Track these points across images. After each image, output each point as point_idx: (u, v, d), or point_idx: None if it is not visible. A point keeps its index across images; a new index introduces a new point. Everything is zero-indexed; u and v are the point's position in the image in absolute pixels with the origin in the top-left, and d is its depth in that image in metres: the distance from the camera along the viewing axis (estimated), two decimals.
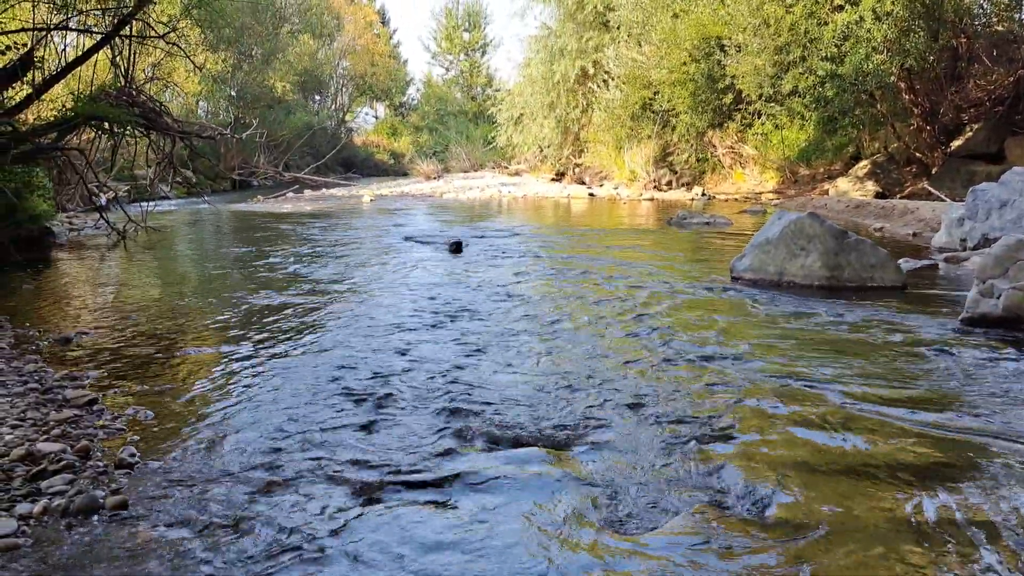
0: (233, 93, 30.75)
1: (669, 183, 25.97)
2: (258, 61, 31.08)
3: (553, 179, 32.86)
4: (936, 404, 4.12)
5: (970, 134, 20.02)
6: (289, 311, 6.77)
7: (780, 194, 22.08)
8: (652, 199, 23.13)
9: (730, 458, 3.45)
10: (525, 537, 2.79)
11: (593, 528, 2.85)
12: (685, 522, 2.85)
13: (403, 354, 5.32)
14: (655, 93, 24.59)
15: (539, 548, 2.72)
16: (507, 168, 39.23)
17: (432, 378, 4.73)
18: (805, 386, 4.47)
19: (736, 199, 22.10)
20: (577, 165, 32.19)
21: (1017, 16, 19.58)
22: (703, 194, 23.80)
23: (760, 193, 22.75)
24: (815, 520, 2.87)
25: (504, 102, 36.12)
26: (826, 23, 18.08)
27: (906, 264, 8.68)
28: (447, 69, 59.95)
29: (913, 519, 2.87)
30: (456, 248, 10.82)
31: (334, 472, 3.36)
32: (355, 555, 2.69)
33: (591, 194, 25.79)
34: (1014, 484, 3.15)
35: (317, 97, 46.43)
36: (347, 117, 50.13)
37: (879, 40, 17.01)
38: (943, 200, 15.00)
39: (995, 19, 19.66)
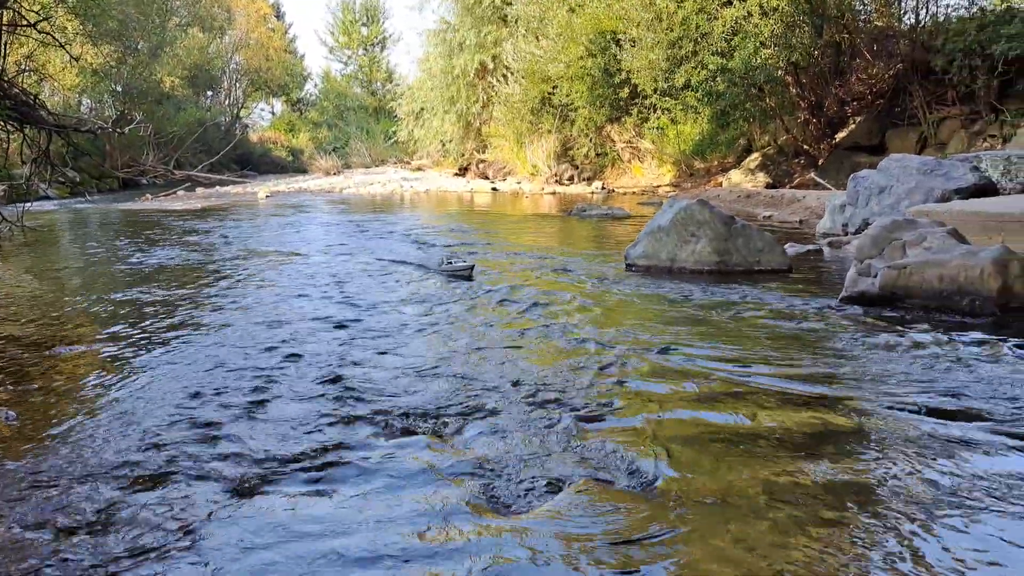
0: (118, 88, 29.53)
1: (571, 177, 26.21)
2: (144, 55, 29.89)
3: (456, 174, 32.77)
4: (817, 377, 4.23)
5: (853, 126, 20.85)
6: (168, 308, 6.51)
7: (677, 187, 22.55)
8: (554, 193, 23.31)
9: (616, 435, 3.45)
10: (406, 522, 2.72)
11: (475, 510, 2.80)
12: (568, 499, 2.83)
13: (287, 344, 5.17)
14: (554, 87, 24.79)
15: (419, 532, 2.65)
16: (409, 163, 38.94)
17: (316, 368, 4.60)
18: (692, 364, 4.53)
19: (635, 192, 22.47)
20: (481, 161, 32.19)
21: (896, 12, 20.46)
22: (603, 188, 24.12)
23: (658, 187, 23.20)
24: (700, 491, 2.89)
25: (404, 97, 35.88)
26: (716, 18, 18.53)
27: (791, 248, 8.95)
28: (345, 64, 59.04)
29: (795, 487, 2.91)
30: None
31: (209, 466, 3.22)
32: (225, 548, 2.57)
33: (494, 188, 25.82)
34: (890, 450, 3.24)
35: (210, 93, 45.02)
36: (242, 113, 48.83)
37: (766, 35, 17.54)
38: (828, 189, 15.57)
39: (875, 15, 20.50)
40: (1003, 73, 17.00)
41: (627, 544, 2.53)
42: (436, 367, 4.59)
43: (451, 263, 8.01)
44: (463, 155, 32.92)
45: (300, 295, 6.98)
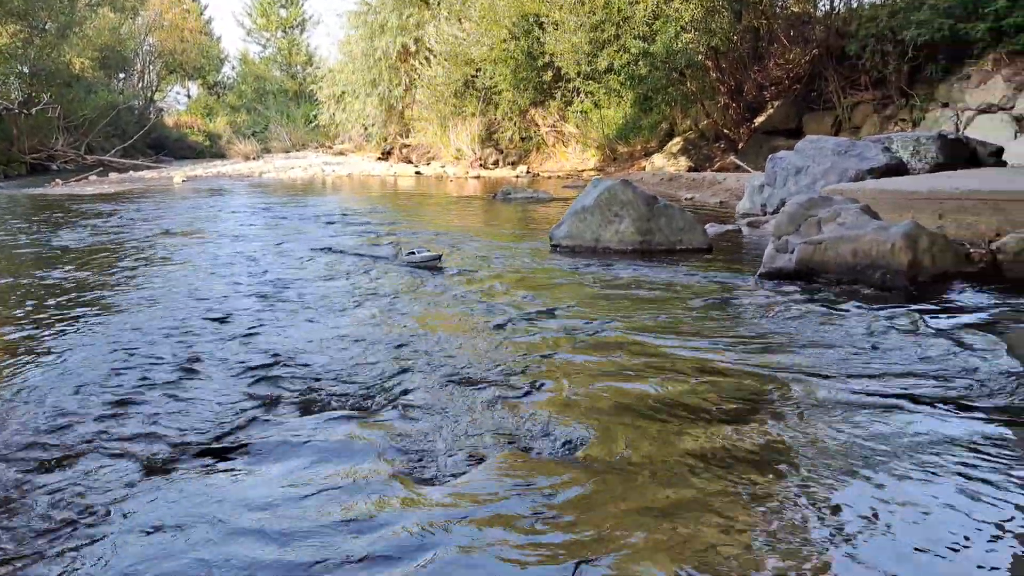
0: (25, 70, 28.28)
1: (496, 162, 26.17)
2: (52, 35, 28.68)
3: (380, 158, 32.40)
4: (736, 349, 4.29)
5: (772, 111, 21.30)
6: (80, 289, 6.26)
7: (601, 171, 22.70)
8: (479, 177, 23.23)
9: (540, 407, 3.45)
10: (328, 497, 2.67)
11: (399, 482, 2.75)
12: (491, 468, 2.81)
13: (207, 324, 5.04)
14: (477, 70, 24.69)
15: (342, 506, 2.59)
16: (331, 148, 38.34)
17: (239, 347, 4.48)
18: (616, 338, 4.55)
19: (560, 176, 22.55)
20: (405, 145, 31.90)
21: None
22: (528, 172, 24.15)
23: (583, 171, 23.32)
24: (621, 459, 2.89)
25: (325, 80, 35.27)
26: (638, 2, 18.68)
27: (712, 228, 9.08)
28: (264, 47, 57.71)
29: (715, 454, 2.94)
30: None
31: (124, 446, 3.10)
32: (136, 530, 2.47)
33: (418, 172, 25.62)
34: (807, 416, 3.30)
35: (122, 75, 43.49)
36: (156, 97, 47.34)
37: (687, 19, 17.76)
38: (748, 172, 15.88)
39: (792, 1, 20.94)
40: (913, 59, 17.56)
41: (545, 511, 2.51)
42: (361, 345, 4.52)
43: (413, 253, 7.30)
44: (386, 139, 32.57)
45: (221, 276, 6.79)
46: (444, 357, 4.24)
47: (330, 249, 8.28)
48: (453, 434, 3.17)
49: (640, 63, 18.28)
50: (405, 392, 3.72)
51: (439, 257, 7.20)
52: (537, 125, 25.54)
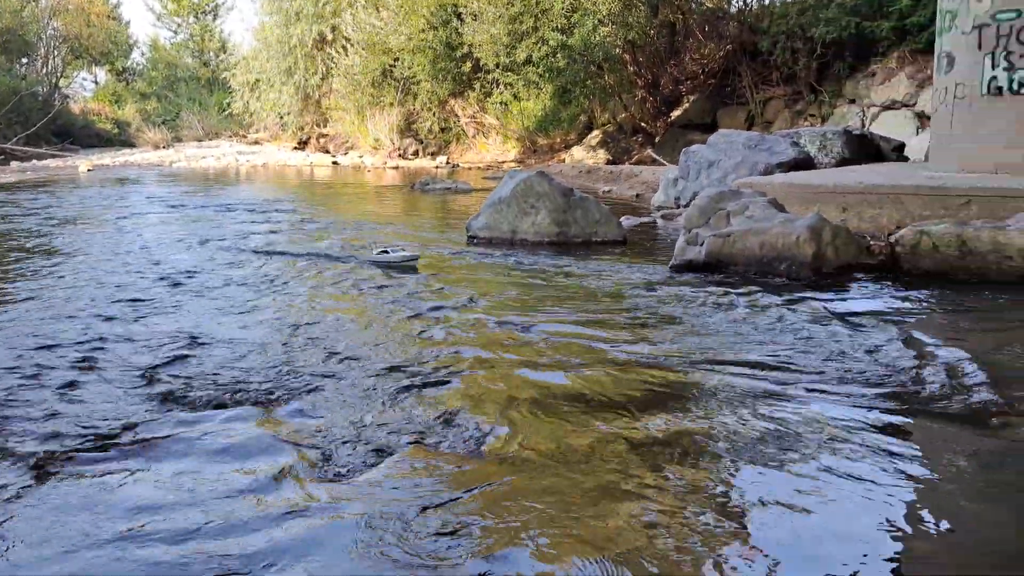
0: None
1: (415, 152, 25.98)
2: None
3: (296, 148, 31.80)
4: (647, 340, 4.33)
5: (688, 105, 21.67)
6: None
7: (521, 163, 22.75)
8: (397, 167, 23.03)
9: (449, 401, 3.41)
10: (228, 495, 2.59)
11: (301, 479, 2.68)
12: (396, 463, 2.76)
13: (104, 318, 4.84)
14: (395, 60, 24.43)
15: (242, 504, 2.51)
16: (246, 137, 37.43)
17: (139, 343, 4.32)
18: (530, 330, 4.54)
19: (480, 167, 22.52)
20: (323, 135, 31.37)
21: None
22: (448, 163, 24.04)
23: (503, 162, 23.33)
24: (534, 450, 2.88)
25: (239, 67, 34.38)
26: None
27: (628, 221, 9.17)
28: (175, 32, 55.90)
29: (625, 443, 2.94)
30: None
31: (9, 445, 2.93)
32: (23, 532, 2.34)
33: (335, 162, 25.25)
34: (715, 404, 3.35)
35: (24, 60, 41.64)
36: (61, 83, 45.48)
37: (604, 13, 17.90)
38: (664, 165, 16.09)
39: None
40: (822, 56, 18.07)
41: (451, 505, 2.48)
42: (270, 340, 4.41)
43: (386, 251, 6.65)
44: (302, 128, 31.98)
45: (122, 269, 6.55)
46: (352, 350, 4.16)
47: (263, 251, 7.88)
48: (358, 428, 3.11)
49: (558, 55, 18.36)
50: (308, 386, 3.63)
51: (417, 257, 6.58)
52: (457, 116, 25.43)
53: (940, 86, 8.33)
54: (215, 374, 3.80)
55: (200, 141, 39.19)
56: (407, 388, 3.58)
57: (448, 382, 3.68)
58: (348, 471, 2.76)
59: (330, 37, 28.83)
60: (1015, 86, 7.56)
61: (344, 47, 26.97)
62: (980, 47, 7.73)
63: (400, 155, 25.54)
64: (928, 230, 5.93)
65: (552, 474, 2.70)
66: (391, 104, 25.75)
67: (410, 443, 2.96)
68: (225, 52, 48.55)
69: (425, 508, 2.46)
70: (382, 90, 25.92)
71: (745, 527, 2.35)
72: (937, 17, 8.40)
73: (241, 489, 2.63)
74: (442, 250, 7.51)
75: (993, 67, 7.66)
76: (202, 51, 54.60)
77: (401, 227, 9.25)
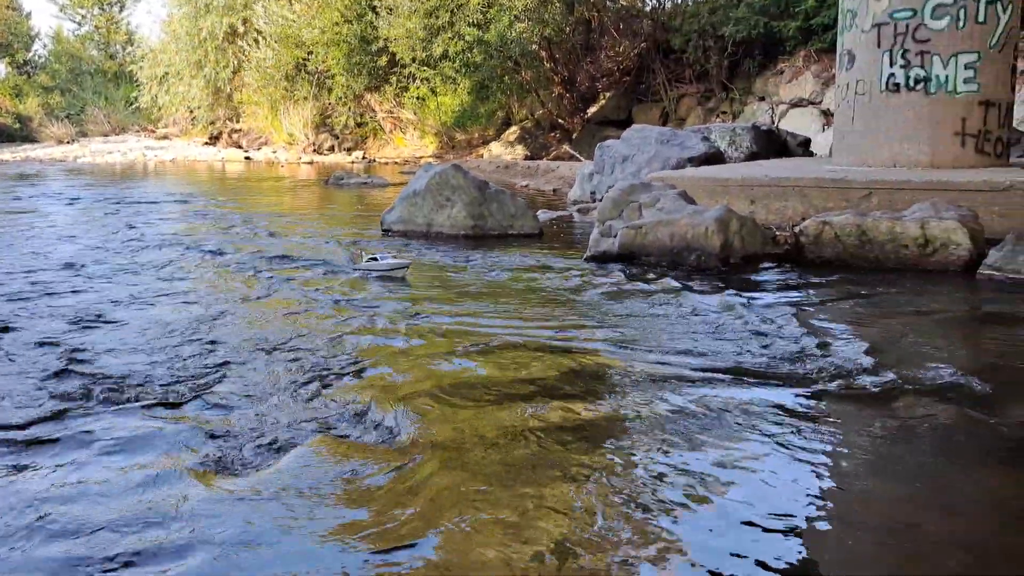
0: None
1: (331, 147, 25.63)
2: None
3: (207, 143, 30.99)
4: (561, 329, 4.35)
5: (604, 101, 21.92)
6: None
7: (439, 159, 22.65)
8: (312, 162, 22.67)
9: (361, 392, 3.36)
10: (127, 491, 2.50)
11: (203, 474, 2.60)
12: (302, 454, 2.70)
13: (4, 317, 4.62)
14: (309, 53, 24.03)
15: (141, 500, 2.43)
16: (154, 132, 36.30)
17: (42, 339, 4.13)
18: (443, 322, 4.52)
19: (397, 163, 22.35)
20: (235, 130, 30.64)
21: None
22: (364, 158, 23.78)
23: (420, 157, 23.19)
24: (442, 439, 2.86)
25: (146, 60, 33.29)
26: None
27: (544, 215, 9.22)
28: (80, 24, 53.78)
29: (539, 428, 2.95)
30: None
31: None
32: None
33: (247, 157, 24.72)
34: (627, 388, 3.38)
35: None
36: None
37: (520, 9, 17.94)
38: (581, 160, 16.24)
39: None
40: (732, 54, 18.50)
41: (359, 491, 2.44)
42: (176, 334, 4.28)
43: (375, 259, 6.03)
44: (213, 123, 31.18)
45: (20, 265, 6.26)
46: (264, 344, 4.07)
47: (168, 245, 7.70)
48: (267, 422, 3.05)
49: (475, 51, 18.35)
50: (220, 380, 3.54)
51: (407, 265, 5.98)
52: (373, 111, 25.16)
53: (842, 82, 8.60)
54: (115, 370, 3.67)
55: (107, 136, 37.82)
56: (316, 381, 3.51)
57: (359, 374, 3.63)
58: (253, 464, 2.69)
59: (241, 30, 28.17)
60: (911, 82, 7.85)
61: (256, 40, 26.39)
62: (879, 45, 8.01)
63: (315, 150, 25.14)
64: (830, 220, 6.11)
65: (466, 462, 2.68)
66: (305, 98, 25.32)
67: (318, 434, 2.90)
68: (132, 45, 46.92)
69: (332, 496, 2.41)
70: (296, 84, 25.46)
71: (657, 506, 2.36)
72: (839, 16, 8.66)
73: (141, 484, 2.54)
74: (356, 243, 7.40)
75: (891, 64, 7.94)
76: (108, 43, 52.65)
77: (314, 222, 9.09)
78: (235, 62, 28.72)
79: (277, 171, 19.69)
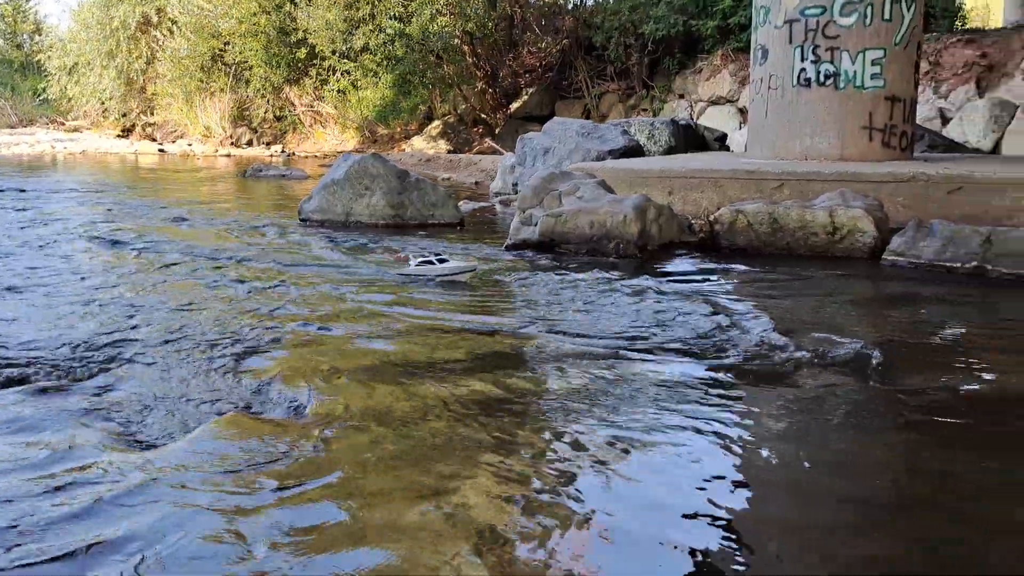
0: None
1: (249, 141, 25.09)
2: None
3: (120, 135, 29.96)
4: (480, 311, 4.36)
5: (527, 97, 21.99)
6: None
7: (361, 153, 22.39)
8: (229, 155, 22.17)
9: (274, 370, 3.32)
10: (32, 467, 2.39)
11: (111, 448, 2.51)
12: (211, 430, 2.64)
13: None
14: (226, 44, 23.46)
15: (45, 475, 2.32)
16: (64, 124, 34.94)
17: None
18: (360, 306, 4.48)
19: (317, 157, 21.99)
20: (150, 123, 29.70)
21: None
22: (283, 151, 23.35)
23: (341, 152, 22.87)
24: (354, 413, 2.83)
25: (54, 49, 32.02)
26: None
27: (466, 205, 9.20)
28: None
29: (455, 405, 2.93)
30: None
31: None
32: None
33: (161, 150, 24.02)
34: (545, 368, 3.40)
35: None
36: None
37: (442, 2, 17.86)
38: (503, 153, 16.26)
39: None
40: (653, 52, 18.76)
41: (270, 468, 2.39)
42: (90, 318, 4.16)
43: (431, 261, 5.17)
44: (126, 115, 30.17)
45: None
46: (179, 327, 3.97)
47: (74, 234, 7.41)
48: (179, 399, 2.98)
49: (396, 44, 18.20)
50: (129, 360, 3.45)
51: (475, 268, 5.27)
52: (293, 104, 24.72)
53: (756, 77, 8.80)
54: (24, 352, 3.52)
55: (13, 128, 36.25)
56: (230, 360, 3.45)
57: (274, 353, 3.57)
58: (160, 439, 2.62)
59: (155, 19, 27.33)
60: (822, 78, 8.08)
61: (171, 30, 25.63)
62: (791, 41, 8.22)
63: (233, 143, 24.58)
64: (743, 209, 6.25)
65: (379, 437, 2.65)
66: (222, 90, 24.71)
67: (228, 411, 2.84)
68: (41, 34, 45.13)
69: (241, 473, 2.36)
70: (212, 76, 24.82)
71: (572, 477, 2.38)
72: (752, 12, 8.86)
73: (47, 460, 2.45)
74: (271, 232, 7.27)
75: (802, 60, 8.16)
76: (14, 33, 50.48)
77: (231, 212, 8.88)
78: (148, 52, 27.83)
79: (193, 164, 19.20)
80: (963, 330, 4.04)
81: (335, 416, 2.79)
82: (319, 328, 4.02)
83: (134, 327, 3.96)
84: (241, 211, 8.90)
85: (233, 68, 24.10)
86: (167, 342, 3.70)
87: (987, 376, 3.27)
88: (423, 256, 5.25)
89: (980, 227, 5.46)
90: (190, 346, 3.64)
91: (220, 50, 24.01)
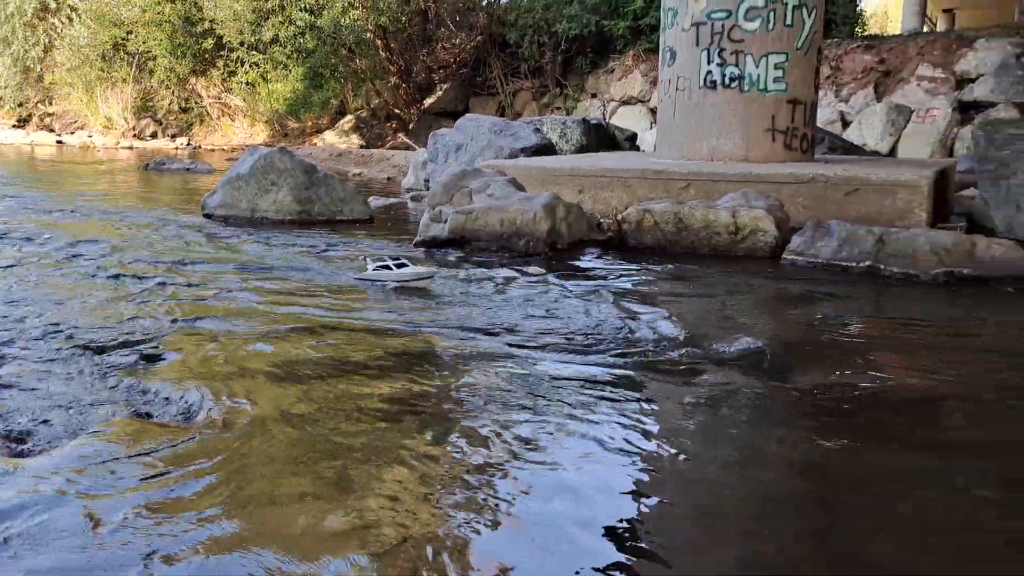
0: None
1: (154, 133, 24.29)
2: None
3: (15, 126, 28.61)
4: (385, 309, 4.30)
5: (441, 93, 21.88)
6: None
7: (271, 147, 21.93)
8: (132, 148, 21.43)
9: (165, 374, 3.19)
10: None
11: None
12: (99, 435, 2.52)
13: None
14: (128, 33, 22.64)
15: None
16: None
17: None
18: (261, 304, 4.37)
19: (225, 150, 21.45)
20: (48, 113, 28.44)
21: None
22: (189, 144, 22.69)
23: (250, 145, 22.35)
24: (252, 415, 2.75)
25: None
26: None
27: (377, 201, 9.10)
28: None
29: (364, 402, 2.88)
30: None
31: None
32: None
33: (59, 142, 23.06)
34: (452, 366, 3.37)
35: None
36: None
37: None
38: (416, 149, 16.15)
39: None
40: (566, 51, 18.90)
41: (154, 471, 2.30)
42: None
43: (388, 266, 4.88)
44: (23, 104, 28.83)
45: None
46: (70, 327, 3.79)
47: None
48: (57, 402, 2.83)
49: (307, 36, 17.87)
50: (9, 361, 3.26)
51: (434, 274, 4.95)
52: (200, 96, 24.04)
53: (664, 78, 8.94)
54: None
55: None
56: (120, 361, 3.31)
57: (168, 354, 3.44)
58: (49, 444, 2.48)
59: (54, 6, 26.17)
60: (727, 80, 8.25)
61: (70, 17, 24.59)
62: (698, 43, 8.37)
63: (136, 136, 23.75)
64: (650, 208, 6.34)
65: (276, 437, 2.58)
66: (125, 80, 23.83)
67: (119, 415, 2.72)
68: None
69: (126, 478, 2.26)
70: (114, 65, 23.91)
71: (476, 474, 2.35)
72: (661, 14, 8.99)
73: None
74: (172, 228, 7.04)
75: (709, 62, 8.32)
76: None
77: (130, 207, 8.57)
78: (46, 40, 26.64)
79: (93, 156, 18.47)
80: (855, 328, 4.18)
81: (232, 419, 2.71)
82: (217, 328, 3.90)
83: (15, 327, 3.77)
84: (140, 206, 8.59)
85: (136, 58, 23.27)
86: (50, 342, 3.53)
87: (876, 373, 3.38)
88: (381, 260, 4.97)
89: (874, 228, 5.66)
90: (75, 347, 3.48)
91: (122, 39, 23.16)
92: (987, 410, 3.03)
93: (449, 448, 2.56)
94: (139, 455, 2.41)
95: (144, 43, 21.90)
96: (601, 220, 6.83)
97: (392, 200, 9.55)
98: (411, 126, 20.98)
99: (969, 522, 2.16)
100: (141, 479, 2.27)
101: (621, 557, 1.95)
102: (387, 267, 4.89)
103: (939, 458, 2.56)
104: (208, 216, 7.69)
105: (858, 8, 18.46)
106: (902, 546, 2.01)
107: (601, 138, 11.65)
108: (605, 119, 17.25)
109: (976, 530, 2.12)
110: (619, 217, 6.52)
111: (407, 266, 4.87)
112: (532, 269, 5.44)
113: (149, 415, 2.78)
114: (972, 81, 14.03)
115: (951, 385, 3.27)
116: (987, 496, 2.29)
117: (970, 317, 4.49)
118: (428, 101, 21.60)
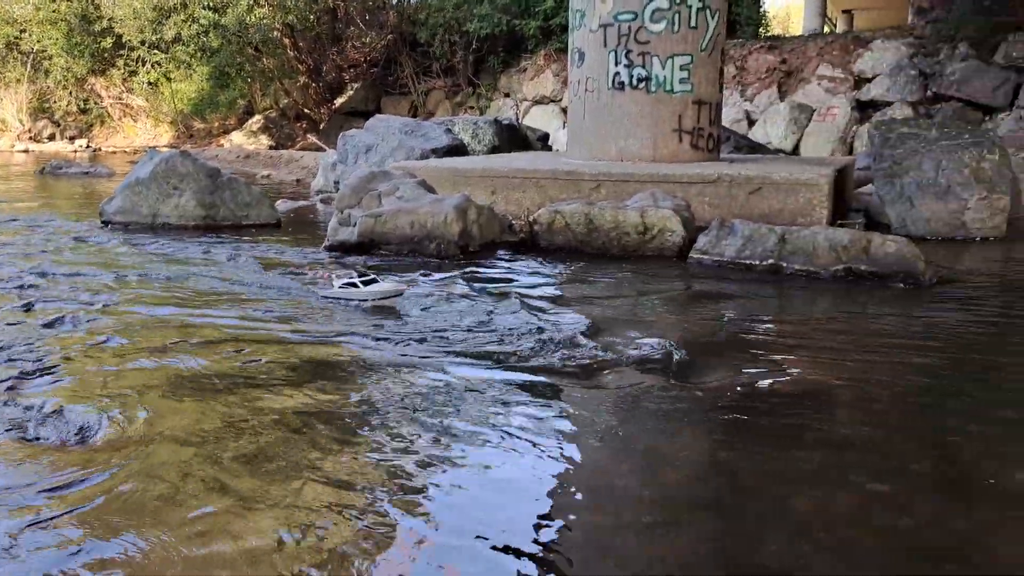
0: None
1: (51, 135, 23.35)
2: None
3: None
4: (291, 320, 4.20)
5: (352, 92, 21.64)
6: None
7: (175, 148, 21.31)
8: (27, 151, 20.54)
9: (55, 392, 3.06)
10: None
11: None
12: None
13: None
14: (22, 31, 21.69)
15: None
16: None
17: None
18: (163, 317, 4.22)
19: (127, 152, 20.76)
20: None
21: None
22: (89, 146, 21.87)
23: (155, 147, 21.69)
24: (152, 434, 2.65)
25: None
26: None
27: (285, 204, 8.92)
28: None
29: (272, 416, 2.80)
30: None
31: None
32: None
33: None
34: (359, 376, 3.31)
35: None
36: None
37: None
38: (326, 150, 15.91)
39: None
40: (478, 50, 18.91)
41: (41, 499, 2.19)
42: None
43: (355, 284, 4.59)
44: None
45: None
46: None
47: None
48: None
49: (211, 35, 17.42)
50: None
51: (403, 291, 4.61)
52: (100, 96, 23.19)
53: (573, 79, 9.00)
54: None
55: None
56: (5, 381, 3.13)
57: (58, 371, 3.29)
58: None
59: None
60: (635, 81, 8.36)
61: None
62: (605, 45, 8.46)
63: (32, 138, 22.78)
64: (561, 209, 6.37)
65: (179, 456, 2.49)
66: (18, 81, 22.83)
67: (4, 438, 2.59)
68: None
69: (14, 508, 2.15)
70: (7, 65, 22.89)
71: (390, 485, 2.31)
72: (569, 15, 9.06)
73: None
74: (67, 236, 6.76)
75: (616, 63, 8.42)
76: None
77: (24, 213, 8.20)
78: None
79: None
80: (757, 327, 4.28)
81: (130, 438, 2.61)
82: (114, 343, 3.75)
83: None
84: (33, 212, 8.23)
85: (31, 57, 22.31)
86: None
87: (780, 371, 3.46)
88: (348, 277, 4.67)
89: (776, 226, 5.80)
90: None
91: (15, 38, 22.17)
92: (878, 406, 3.13)
93: (357, 464, 2.51)
94: (22, 483, 2.29)
95: (39, 42, 21.01)
96: (513, 221, 6.84)
97: (301, 203, 9.39)
98: (322, 126, 20.69)
99: (856, 517, 2.23)
100: (23, 507, 2.16)
101: (524, 564, 1.94)
102: (354, 284, 4.62)
103: (834, 454, 2.63)
104: (106, 223, 7.41)
105: (762, 9, 18.98)
106: (792, 544, 2.06)
107: (514, 138, 11.68)
108: (519, 118, 17.33)
109: (863, 524, 2.19)
110: (531, 218, 6.54)
111: (376, 282, 4.59)
112: (442, 272, 5.41)
113: (34, 438, 2.65)
114: (869, 81, 14.59)
115: (846, 381, 3.37)
116: (876, 490, 2.36)
117: (866, 314, 4.64)
118: (339, 101, 21.33)
